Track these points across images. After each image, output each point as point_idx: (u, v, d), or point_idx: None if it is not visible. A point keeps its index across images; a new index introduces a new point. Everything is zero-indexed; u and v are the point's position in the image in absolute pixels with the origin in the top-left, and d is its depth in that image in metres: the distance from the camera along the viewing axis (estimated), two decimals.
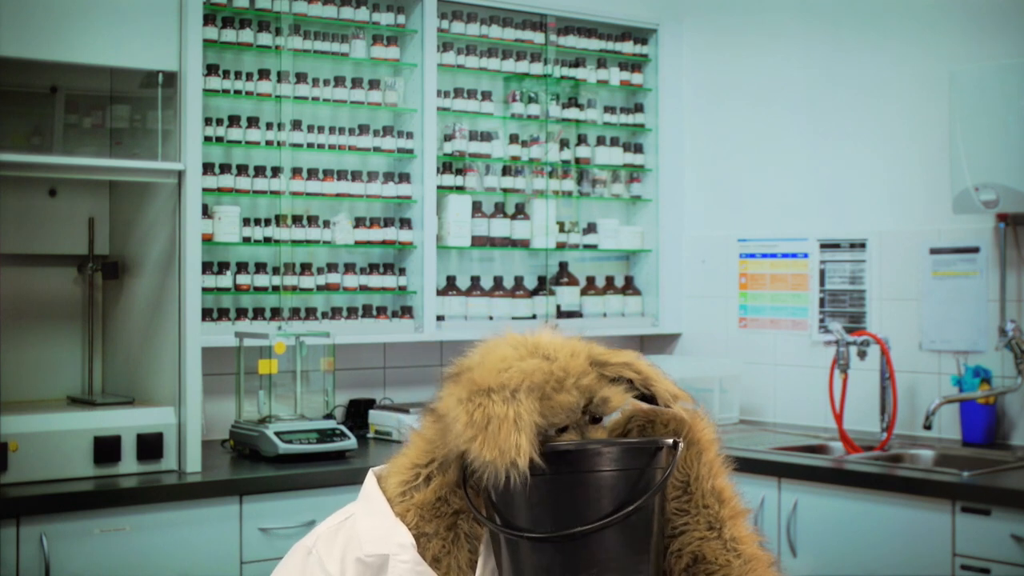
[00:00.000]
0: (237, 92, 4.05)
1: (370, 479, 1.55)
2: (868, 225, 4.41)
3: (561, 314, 4.76)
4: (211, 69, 3.98)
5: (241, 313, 4.06)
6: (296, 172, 4.16)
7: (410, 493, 1.49)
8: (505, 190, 4.69)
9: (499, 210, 4.69)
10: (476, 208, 4.57)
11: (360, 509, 1.53)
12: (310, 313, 4.20)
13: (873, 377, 4.21)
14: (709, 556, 1.44)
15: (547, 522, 1.38)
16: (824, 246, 4.54)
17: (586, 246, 4.90)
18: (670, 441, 1.42)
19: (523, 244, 4.70)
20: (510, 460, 1.37)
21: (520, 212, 4.71)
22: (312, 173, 4.20)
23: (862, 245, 4.41)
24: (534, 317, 4.62)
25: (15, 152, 3.50)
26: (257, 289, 4.08)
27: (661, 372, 1.51)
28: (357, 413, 4.35)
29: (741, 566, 1.44)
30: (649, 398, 1.50)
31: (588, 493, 1.38)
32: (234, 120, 4.08)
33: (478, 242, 4.57)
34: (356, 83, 4.31)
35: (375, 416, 4.26)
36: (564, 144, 4.84)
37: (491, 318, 4.56)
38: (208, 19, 3.92)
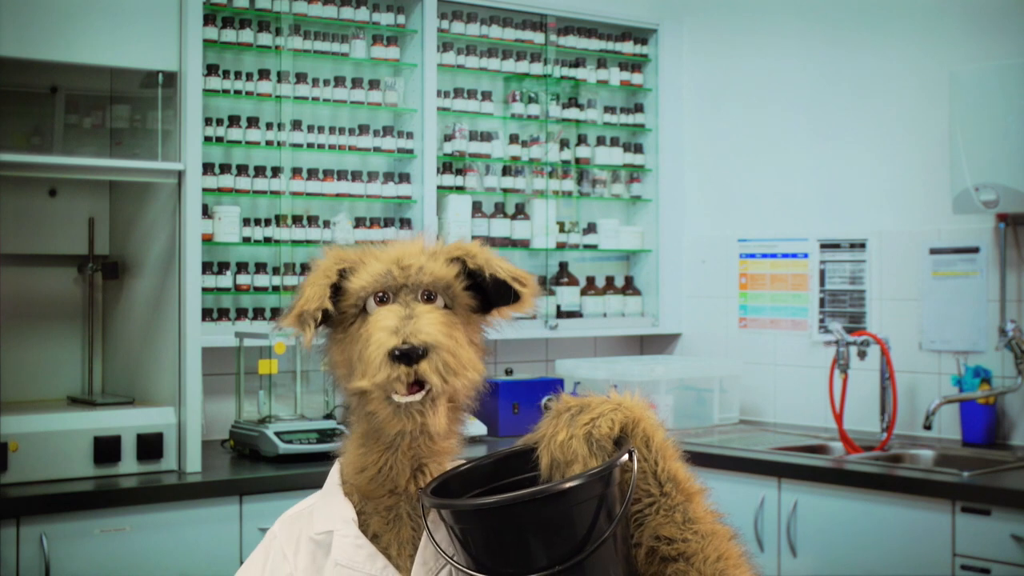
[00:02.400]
0: (237, 92, 4.05)
1: (335, 464, 1.61)
2: (868, 225, 4.41)
3: (561, 314, 4.76)
4: (211, 69, 3.98)
5: (241, 313, 4.06)
6: (296, 172, 4.16)
7: (358, 474, 1.54)
8: (505, 190, 4.69)
9: (499, 210, 4.69)
10: (476, 208, 4.57)
11: (320, 494, 1.61)
12: None
13: (873, 377, 4.21)
14: (665, 539, 1.42)
15: (517, 560, 1.35)
16: (824, 246, 4.54)
17: (586, 246, 4.90)
18: (625, 457, 1.39)
19: (523, 244, 4.70)
20: (297, 314, 1.46)
21: (520, 212, 4.71)
22: (312, 173, 4.21)
23: (862, 245, 4.41)
24: (533, 317, 4.62)
25: (15, 152, 3.50)
26: (257, 289, 4.08)
27: (498, 257, 1.53)
28: None
29: (699, 542, 1.42)
30: (487, 281, 1.52)
31: (558, 528, 1.34)
32: (234, 120, 4.08)
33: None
34: (356, 83, 4.31)
35: None
36: (564, 144, 4.84)
37: None
38: (208, 19, 3.92)
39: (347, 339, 1.51)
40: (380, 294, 1.49)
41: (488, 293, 1.54)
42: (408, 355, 1.41)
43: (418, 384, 1.43)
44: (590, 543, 1.34)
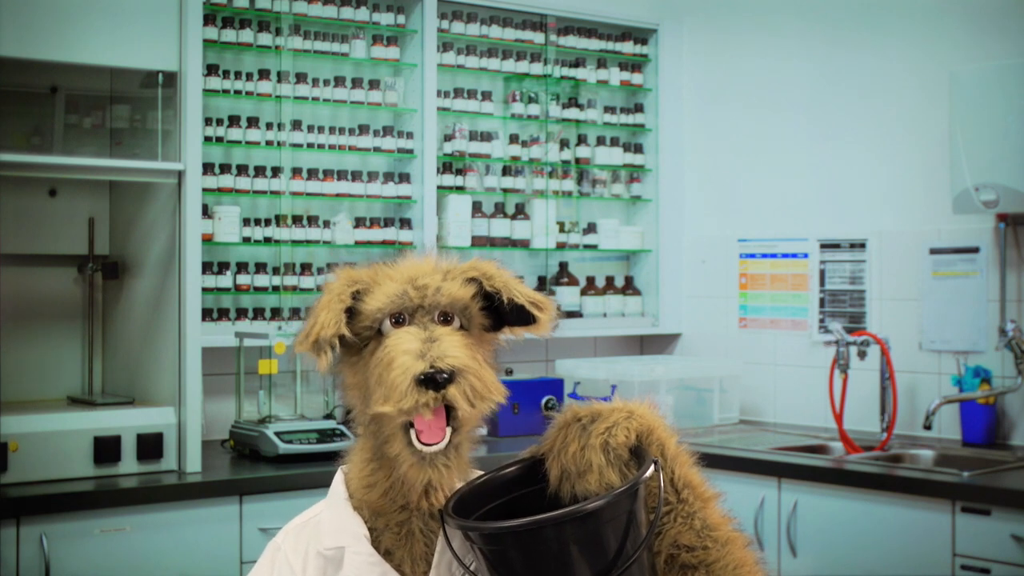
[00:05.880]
0: (237, 92, 4.05)
1: (338, 475, 1.57)
2: (868, 225, 4.41)
3: (561, 314, 4.76)
4: (211, 69, 3.98)
5: (241, 313, 4.06)
6: (296, 172, 4.16)
7: (367, 489, 1.50)
8: (505, 190, 4.69)
9: (499, 210, 4.69)
10: (476, 208, 4.57)
11: (325, 505, 1.56)
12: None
13: (873, 377, 4.21)
14: (685, 547, 1.43)
15: None
16: (824, 246, 4.54)
17: (586, 246, 4.90)
18: (651, 471, 1.38)
19: (523, 244, 4.70)
20: (313, 340, 1.43)
21: (520, 212, 4.71)
22: (312, 173, 4.21)
23: (862, 245, 4.41)
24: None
25: (15, 152, 3.50)
26: (257, 289, 4.08)
27: (515, 279, 1.51)
28: None
29: (719, 550, 1.43)
30: (503, 303, 1.49)
31: (589, 546, 1.34)
32: (234, 120, 4.08)
33: (478, 242, 4.57)
34: (356, 83, 4.31)
35: None
36: (564, 144, 4.85)
37: None
38: (208, 19, 3.92)
39: (361, 362, 1.47)
40: (396, 315, 1.46)
41: (502, 313, 1.51)
42: (435, 380, 1.37)
43: (445, 408, 1.40)
44: (621, 560, 1.34)
